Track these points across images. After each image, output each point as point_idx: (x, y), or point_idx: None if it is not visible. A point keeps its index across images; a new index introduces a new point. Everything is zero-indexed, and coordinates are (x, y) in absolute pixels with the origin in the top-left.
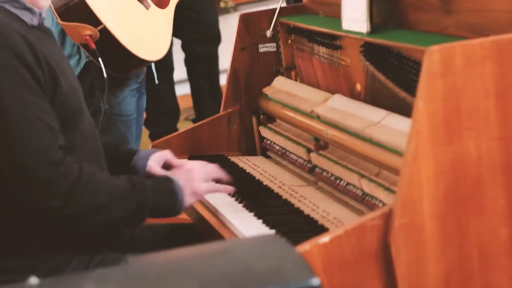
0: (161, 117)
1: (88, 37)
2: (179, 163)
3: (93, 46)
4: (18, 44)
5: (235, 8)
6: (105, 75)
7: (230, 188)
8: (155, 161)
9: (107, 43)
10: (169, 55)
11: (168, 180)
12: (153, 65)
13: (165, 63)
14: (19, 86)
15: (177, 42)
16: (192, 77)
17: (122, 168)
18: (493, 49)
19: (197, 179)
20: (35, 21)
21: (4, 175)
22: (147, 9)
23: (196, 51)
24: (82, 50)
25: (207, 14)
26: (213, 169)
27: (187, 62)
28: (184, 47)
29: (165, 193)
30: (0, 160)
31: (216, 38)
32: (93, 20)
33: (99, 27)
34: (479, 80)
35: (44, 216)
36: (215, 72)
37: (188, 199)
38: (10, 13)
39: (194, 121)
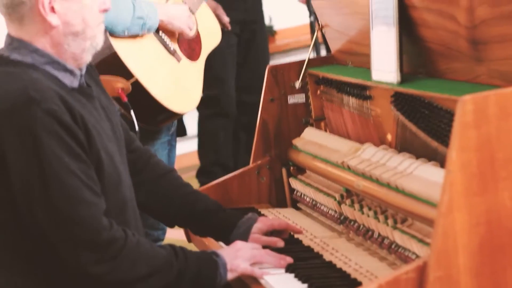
0: (215, 167)
1: (120, 90)
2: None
3: (125, 99)
4: (58, 108)
5: None
6: (136, 128)
7: (280, 264)
8: (257, 231)
9: (139, 96)
10: (232, 102)
11: (213, 254)
12: (183, 117)
13: (229, 110)
14: (63, 152)
15: None
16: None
17: (216, 237)
18: None
19: (241, 257)
20: (75, 83)
21: (50, 238)
22: (178, 61)
23: (241, 99)
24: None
25: (261, 65)
26: (260, 254)
27: None
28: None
29: (207, 265)
30: (49, 224)
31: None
32: (125, 73)
33: (131, 80)
34: None
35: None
36: (254, 124)
37: (229, 275)
38: (50, 75)
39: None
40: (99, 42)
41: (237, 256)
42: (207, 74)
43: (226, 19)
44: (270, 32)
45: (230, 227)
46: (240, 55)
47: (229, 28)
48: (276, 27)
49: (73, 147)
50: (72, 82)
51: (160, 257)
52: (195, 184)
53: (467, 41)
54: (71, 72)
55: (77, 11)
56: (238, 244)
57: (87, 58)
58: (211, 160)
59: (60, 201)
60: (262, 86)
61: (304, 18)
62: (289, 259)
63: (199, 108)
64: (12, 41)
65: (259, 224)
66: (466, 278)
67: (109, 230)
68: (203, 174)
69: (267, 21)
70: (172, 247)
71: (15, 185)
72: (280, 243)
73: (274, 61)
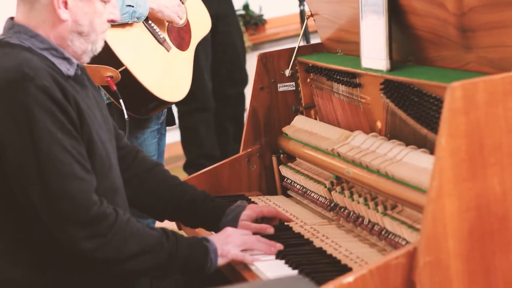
0: (201, 159)
1: (109, 79)
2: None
3: (114, 87)
4: (50, 86)
5: (252, 47)
6: (126, 116)
7: (271, 250)
8: (246, 218)
9: (128, 85)
10: (209, 96)
11: (204, 239)
12: (173, 107)
13: (206, 104)
14: (56, 127)
15: None
16: (218, 118)
17: (206, 226)
18: None
19: (232, 243)
20: (71, 71)
21: (41, 214)
22: (168, 51)
23: (225, 92)
24: (103, 92)
25: (239, 58)
26: (251, 240)
27: (215, 102)
28: (213, 88)
29: (198, 250)
30: (40, 199)
31: (244, 81)
32: (115, 61)
33: (121, 69)
34: (502, 115)
35: (69, 257)
36: (241, 114)
37: (219, 261)
38: (47, 60)
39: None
40: (98, 48)
41: (228, 242)
42: None
43: None
44: (260, 21)
45: (219, 215)
46: (218, 49)
47: None
48: (266, 16)
49: (65, 124)
50: (68, 70)
51: (151, 237)
52: (183, 175)
53: (456, 29)
54: (68, 60)
55: (87, 13)
56: (228, 230)
57: (85, 59)
58: (196, 154)
59: (52, 175)
60: (242, 77)
61: (294, 7)
62: (279, 246)
63: (177, 104)
64: (13, 25)
65: (248, 211)
66: (456, 262)
67: (99, 206)
68: (191, 167)
69: (257, 10)
70: (163, 230)
71: (8, 161)
72: (270, 230)
73: (264, 50)
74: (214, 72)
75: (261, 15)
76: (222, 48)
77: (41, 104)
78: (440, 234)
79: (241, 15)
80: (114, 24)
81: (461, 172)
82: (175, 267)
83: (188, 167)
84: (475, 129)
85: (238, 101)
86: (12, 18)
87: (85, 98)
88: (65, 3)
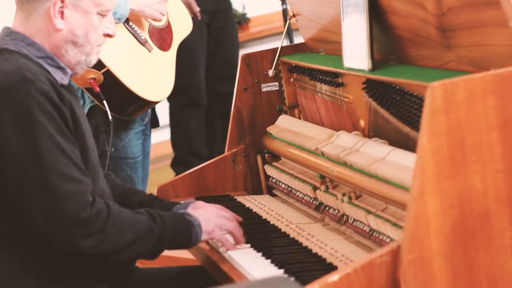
0: (190, 157)
1: (92, 81)
2: None
3: (97, 89)
4: (49, 90)
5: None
6: (110, 117)
7: (241, 240)
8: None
9: (111, 86)
10: (202, 91)
11: (186, 214)
12: (156, 108)
13: (198, 100)
14: (55, 130)
15: None
16: (207, 114)
17: None
18: (494, 82)
19: (214, 221)
20: (65, 81)
21: (33, 217)
22: (150, 51)
23: (215, 88)
24: (87, 94)
25: (231, 54)
26: (229, 220)
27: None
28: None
29: (182, 226)
30: (39, 201)
31: (235, 78)
32: (97, 63)
33: (103, 70)
34: (481, 114)
35: (61, 255)
36: (229, 112)
37: (203, 236)
38: (43, 68)
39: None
40: (92, 60)
41: (210, 219)
42: (176, 65)
43: (196, 9)
44: (243, 20)
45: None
46: (211, 44)
47: (199, 17)
48: (249, 14)
49: (62, 128)
50: (63, 79)
51: (142, 222)
52: (170, 173)
53: (435, 28)
54: (62, 70)
55: (83, 25)
56: (208, 206)
57: (78, 70)
58: (185, 150)
59: (52, 176)
60: (235, 74)
61: (277, 5)
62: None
63: (169, 99)
64: (10, 33)
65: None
66: (439, 260)
67: (93, 205)
68: (178, 164)
69: (240, 9)
70: (147, 211)
71: (6, 160)
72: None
73: (248, 49)
74: (206, 68)
75: (244, 14)
76: (214, 43)
77: (41, 106)
78: (423, 232)
79: None
80: None
81: (442, 170)
82: (163, 246)
83: (176, 164)
84: (455, 128)
85: (228, 99)
86: (8, 27)
87: (77, 108)
88: (62, 13)
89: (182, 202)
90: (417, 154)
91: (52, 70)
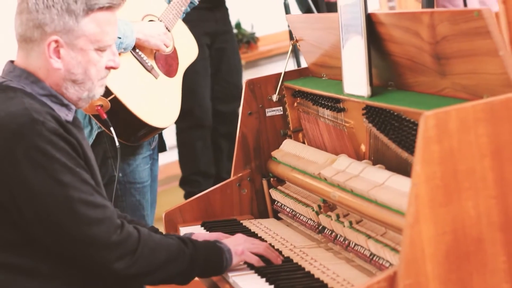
0: (197, 176)
1: (99, 108)
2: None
3: (104, 116)
4: (58, 128)
5: (245, 65)
6: (117, 144)
7: (277, 260)
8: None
9: (118, 113)
10: (207, 113)
11: (216, 242)
12: (163, 132)
13: (203, 121)
14: (72, 164)
15: None
16: (212, 135)
17: None
18: (485, 111)
19: (243, 245)
20: (69, 117)
21: (64, 248)
22: (156, 78)
23: (218, 109)
24: (94, 121)
25: (233, 75)
26: (263, 247)
27: None
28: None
29: (213, 251)
30: (70, 230)
31: (238, 99)
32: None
33: (110, 97)
34: (474, 142)
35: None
36: (234, 132)
37: (234, 259)
38: (47, 106)
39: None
40: (96, 94)
41: (239, 244)
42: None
43: None
44: (252, 39)
45: None
46: (213, 66)
47: None
48: (258, 33)
49: (77, 159)
50: (67, 115)
51: (172, 245)
52: (180, 192)
53: (431, 56)
54: (67, 106)
55: (81, 63)
56: (239, 234)
57: (82, 105)
58: (192, 169)
59: (79, 206)
60: (236, 94)
61: (285, 24)
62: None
63: (175, 121)
64: (14, 69)
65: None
66: (435, 284)
67: (123, 227)
68: (186, 183)
69: (249, 28)
70: (177, 236)
71: (29, 201)
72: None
73: (257, 68)
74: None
75: (253, 33)
76: (216, 65)
77: (54, 144)
78: (418, 258)
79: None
80: None
81: (436, 197)
82: (196, 270)
83: (184, 184)
84: (448, 155)
85: (232, 119)
86: (12, 61)
87: (83, 140)
88: (58, 52)
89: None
90: (412, 181)
91: (56, 108)
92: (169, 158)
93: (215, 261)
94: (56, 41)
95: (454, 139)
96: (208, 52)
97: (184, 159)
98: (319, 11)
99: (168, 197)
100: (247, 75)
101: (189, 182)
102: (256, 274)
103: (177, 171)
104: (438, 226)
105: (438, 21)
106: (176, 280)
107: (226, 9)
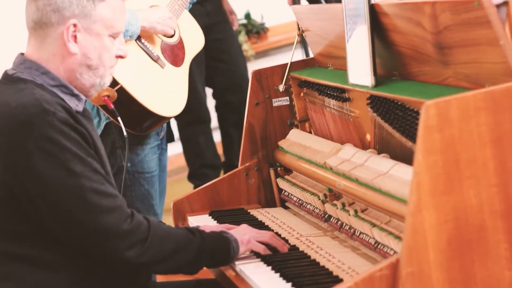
0: (203, 169)
1: (106, 98)
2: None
3: (111, 106)
4: (69, 118)
5: (255, 56)
6: (125, 134)
7: (283, 248)
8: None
9: (125, 103)
10: (204, 107)
11: (223, 232)
12: (171, 123)
13: (202, 115)
14: (83, 153)
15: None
16: (222, 124)
17: None
18: (486, 100)
19: (249, 234)
20: (80, 107)
21: (75, 237)
22: (162, 67)
23: (226, 99)
24: (102, 111)
25: (236, 64)
26: (268, 235)
27: (218, 109)
28: (215, 96)
29: (220, 241)
30: (82, 219)
31: (245, 87)
32: None
33: (116, 87)
34: (475, 131)
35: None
36: (243, 121)
37: (241, 248)
38: (58, 97)
39: (224, 166)
40: (106, 82)
41: (245, 233)
42: None
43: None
44: (262, 30)
45: None
46: (213, 59)
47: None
48: (268, 24)
49: (88, 149)
50: (77, 106)
51: (181, 235)
52: (189, 186)
53: (433, 46)
54: (77, 97)
55: (96, 48)
56: (244, 225)
57: (93, 93)
58: (198, 164)
59: (90, 195)
60: (242, 83)
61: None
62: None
63: (176, 117)
64: (24, 61)
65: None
66: (437, 272)
67: (133, 216)
68: (194, 177)
69: (258, 19)
70: (186, 228)
71: (41, 189)
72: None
73: (267, 58)
74: (213, 81)
75: (262, 24)
76: (216, 57)
77: (65, 134)
78: (420, 246)
79: (243, 24)
80: None
81: (438, 186)
82: (204, 260)
83: (192, 178)
84: (450, 144)
85: (239, 108)
86: (22, 54)
87: (93, 131)
88: (75, 37)
89: None
90: (413, 170)
91: (67, 98)
92: (179, 149)
93: (222, 251)
94: (75, 25)
95: (455, 128)
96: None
97: (189, 154)
98: (327, 1)
99: (180, 187)
100: (257, 65)
101: (197, 176)
102: (262, 263)
103: (182, 163)
104: (440, 214)
105: (440, 11)
106: (185, 269)
107: (218, 0)
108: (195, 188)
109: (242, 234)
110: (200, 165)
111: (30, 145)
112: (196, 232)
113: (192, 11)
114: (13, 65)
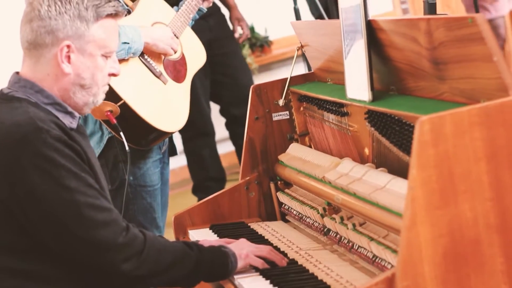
0: (208, 182)
1: (109, 113)
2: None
3: (114, 121)
4: (63, 135)
5: (259, 69)
6: (127, 148)
7: (282, 262)
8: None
9: (128, 118)
10: (209, 121)
11: (221, 247)
12: (173, 137)
13: (206, 129)
14: (78, 170)
15: (216, 107)
16: (233, 140)
17: None
18: (480, 115)
19: (247, 249)
20: (74, 124)
21: (72, 251)
22: (165, 83)
23: (232, 113)
24: (104, 126)
25: (240, 78)
26: (266, 250)
27: (228, 125)
28: (222, 112)
29: (218, 255)
30: (75, 233)
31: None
32: (113, 96)
33: (119, 103)
34: (469, 146)
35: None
36: None
37: (239, 263)
38: (52, 115)
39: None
40: (99, 100)
41: (243, 248)
42: None
43: (245, 33)
44: (266, 43)
45: None
46: (218, 73)
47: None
48: (272, 37)
49: (82, 165)
50: (71, 123)
51: (178, 248)
52: (193, 199)
53: (429, 61)
54: (71, 114)
55: (89, 67)
56: (242, 239)
57: (86, 111)
58: (202, 177)
59: (86, 210)
60: (246, 96)
61: None
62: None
63: (180, 131)
64: (19, 80)
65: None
66: (432, 286)
67: (128, 229)
68: (199, 190)
69: (262, 32)
70: (182, 241)
71: (37, 205)
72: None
73: (271, 71)
74: (218, 95)
75: (266, 37)
76: (220, 71)
77: (59, 151)
78: (416, 260)
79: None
80: None
81: (432, 200)
82: (202, 273)
83: (196, 191)
84: (444, 159)
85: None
86: (17, 73)
87: (87, 147)
88: (68, 58)
89: None
90: (408, 184)
91: (61, 116)
92: (184, 161)
93: (220, 265)
94: (68, 46)
95: (449, 143)
96: (206, 62)
97: (193, 167)
98: (329, 17)
99: (183, 200)
100: (261, 79)
101: (202, 189)
102: (261, 276)
103: (186, 175)
104: (435, 228)
105: (434, 28)
106: (182, 283)
107: (222, 15)
108: (199, 201)
109: (240, 248)
110: (204, 178)
111: (25, 163)
112: (193, 246)
113: (195, 26)
114: (8, 84)
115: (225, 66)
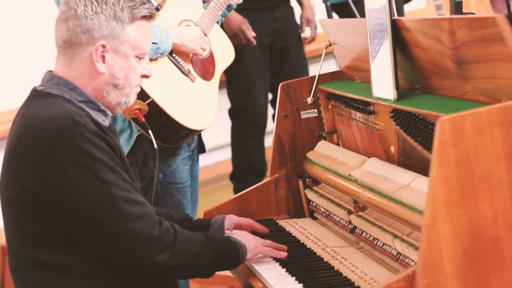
0: (247, 173)
1: (137, 111)
2: (245, 221)
3: (143, 119)
4: (98, 130)
5: None
6: (155, 146)
7: (283, 254)
8: (227, 227)
9: (156, 116)
10: (261, 111)
11: (230, 237)
12: (202, 134)
13: (256, 119)
14: (114, 164)
15: None
16: None
17: None
18: (500, 115)
19: (252, 240)
20: (106, 123)
21: (107, 244)
22: (193, 81)
23: None
24: (133, 124)
25: (295, 74)
26: (264, 240)
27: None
28: (272, 104)
29: (231, 246)
30: (114, 227)
31: None
32: (141, 94)
33: (147, 101)
34: (489, 145)
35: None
36: None
37: (248, 254)
38: (85, 112)
39: None
40: (131, 101)
41: (249, 240)
42: (234, 87)
43: (250, 35)
44: None
45: (207, 226)
46: (275, 65)
47: (254, 43)
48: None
49: (117, 160)
50: (104, 121)
51: (200, 239)
52: (226, 196)
53: (452, 61)
54: (103, 112)
55: (123, 68)
56: (243, 232)
57: (118, 111)
58: (243, 166)
59: (121, 203)
60: None
61: None
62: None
63: (230, 118)
64: (53, 77)
65: (227, 221)
66: (453, 284)
67: (161, 223)
68: (236, 178)
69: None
70: (202, 233)
71: (73, 198)
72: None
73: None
74: (274, 87)
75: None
76: (279, 64)
77: (96, 144)
78: (436, 258)
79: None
80: None
81: (453, 199)
82: (218, 264)
83: (234, 178)
84: (464, 159)
85: None
86: (50, 71)
87: (120, 146)
88: (103, 57)
89: (217, 216)
90: (429, 184)
91: (94, 113)
92: (219, 157)
93: (233, 255)
94: (103, 46)
95: (469, 142)
96: (267, 52)
97: (236, 155)
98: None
99: (217, 196)
100: None
101: (240, 178)
102: (287, 273)
103: (226, 169)
104: (455, 226)
105: (457, 28)
106: (203, 273)
107: (289, 8)
108: (234, 189)
109: (247, 240)
110: (245, 168)
111: (62, 156)
112: (211, 237)
113: (260, 15)
114: (42, 82)
115: (285, 59)
